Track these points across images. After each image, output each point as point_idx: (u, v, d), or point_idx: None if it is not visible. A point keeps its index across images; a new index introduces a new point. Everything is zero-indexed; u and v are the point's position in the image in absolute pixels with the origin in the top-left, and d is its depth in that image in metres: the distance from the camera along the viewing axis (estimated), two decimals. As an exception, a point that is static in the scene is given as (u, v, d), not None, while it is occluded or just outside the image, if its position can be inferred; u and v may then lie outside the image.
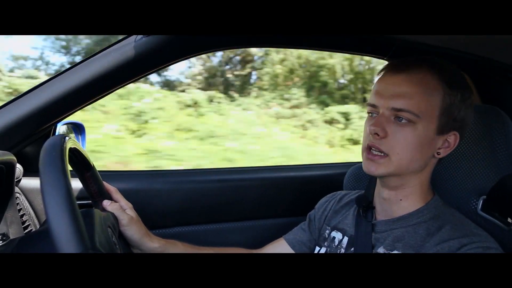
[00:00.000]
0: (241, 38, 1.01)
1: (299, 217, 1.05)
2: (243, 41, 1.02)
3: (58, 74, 0.93)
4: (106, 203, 0.82)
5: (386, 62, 0.99)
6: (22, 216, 0.93)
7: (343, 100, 6.20)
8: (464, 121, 0.75)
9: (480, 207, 0.80)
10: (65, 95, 0.91)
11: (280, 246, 0.99)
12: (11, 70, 5.38)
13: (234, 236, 1.27)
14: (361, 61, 6.47)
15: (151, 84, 5.69)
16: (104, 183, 0.85)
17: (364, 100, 6.13)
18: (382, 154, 0.74)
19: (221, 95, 5.71)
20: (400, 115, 0.72)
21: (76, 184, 0.96)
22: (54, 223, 0.46)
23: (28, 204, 1.01)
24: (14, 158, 0.85)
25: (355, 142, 5.31)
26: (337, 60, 6.21)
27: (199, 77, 6.16)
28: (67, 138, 0.58)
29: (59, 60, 6.10)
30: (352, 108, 5.84)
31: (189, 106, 5.37)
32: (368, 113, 0.79)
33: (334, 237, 0.89)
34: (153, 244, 0.86)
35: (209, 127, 4.95)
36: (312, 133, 5.44)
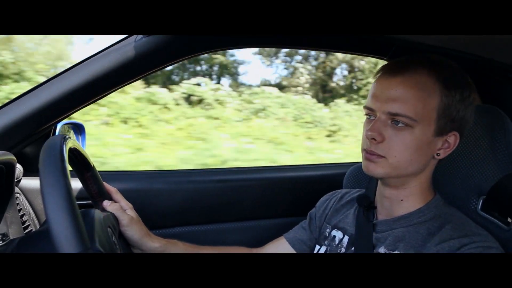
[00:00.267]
0: (241, 38, 1.01)
1: (299, 217, 1.05)
2: (243, 41, 1.02)
3: (58, 74, 0.93)
4: (106, 203, 0.82)
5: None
6: (22, 216, 0.92)
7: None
8: (464, 120, 0.74)
9: (480, 206, 0.80)
10: (65, 95, 0.91)
11: (281, 245, 0.99)
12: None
13: (234, 236, 1.27)
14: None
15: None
16: (104, 183, 0.85)
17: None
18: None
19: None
20: (396, 119, 0.71)
21: (76, 184, 0.96)
22: (54, 223, 0.46)
23: (28, 204, 1.01)
24: (14, 158, 0.85)
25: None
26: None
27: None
28: (67, 138, 0.58)
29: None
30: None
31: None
32: (366, 115, 0.78)
33: (334, 236, 0.89)
34: (154, 244, 0.86)
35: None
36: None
